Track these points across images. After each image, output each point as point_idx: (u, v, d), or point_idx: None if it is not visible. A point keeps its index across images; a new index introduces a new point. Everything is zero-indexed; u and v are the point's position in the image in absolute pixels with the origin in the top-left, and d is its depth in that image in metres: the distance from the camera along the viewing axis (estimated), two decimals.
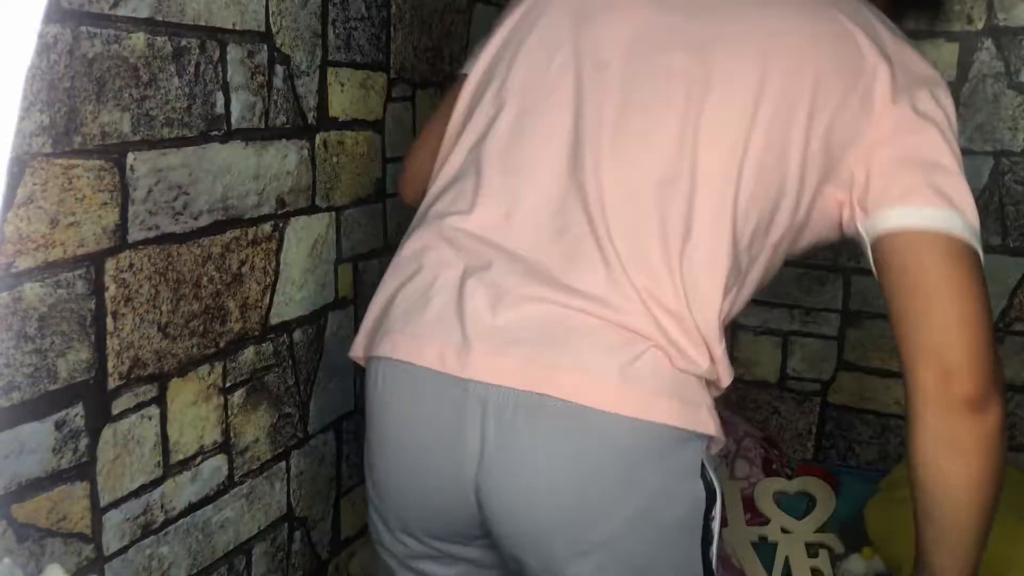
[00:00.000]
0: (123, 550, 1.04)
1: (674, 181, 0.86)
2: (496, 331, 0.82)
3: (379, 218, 1.53)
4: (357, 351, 0.99)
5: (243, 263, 1.19)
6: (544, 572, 0.84)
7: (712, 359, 0.85)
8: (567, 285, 0.83)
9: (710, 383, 0.88)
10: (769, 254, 0.91)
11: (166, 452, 1.09)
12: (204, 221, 1.11)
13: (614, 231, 0.84)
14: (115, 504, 1.02)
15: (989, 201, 1.76)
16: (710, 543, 0.87)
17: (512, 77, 0.96)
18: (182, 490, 1.12)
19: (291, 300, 1.31)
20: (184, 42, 1.04)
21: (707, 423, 0.84)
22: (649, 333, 0.82)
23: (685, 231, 0.84)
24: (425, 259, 0.91)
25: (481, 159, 0.94)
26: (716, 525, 0.86)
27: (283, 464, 1.34)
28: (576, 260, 0.84)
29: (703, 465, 0.86)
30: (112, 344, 0.99)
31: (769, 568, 1.55)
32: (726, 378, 0.88)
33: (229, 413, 1.19)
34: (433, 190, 1.00)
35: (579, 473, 0.82)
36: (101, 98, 0.94)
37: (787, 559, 1.57)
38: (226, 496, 1.21)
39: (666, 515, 0.85)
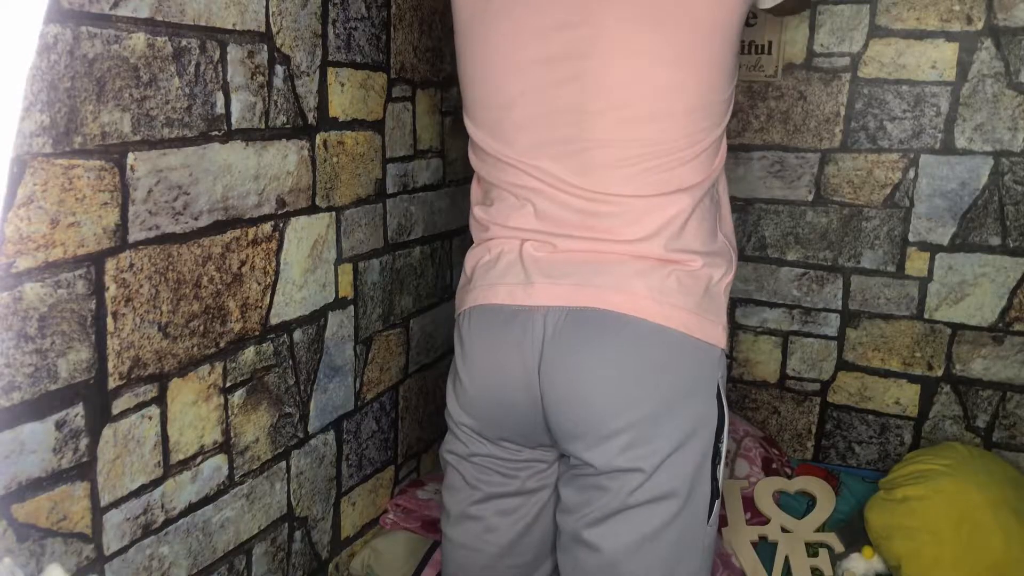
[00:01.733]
0: (123, 550, 1.04)
1: None
2: (551, 269, 1.02)
3: (379, 218, 1.53)
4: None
5: (243, 263, 1.19)
6: (586, 455, 1.00)
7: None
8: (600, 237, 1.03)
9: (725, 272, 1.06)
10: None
11: (166, 452, 1.09)
12: (204, 221, 1.11)
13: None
14: (115, 504, 1.02)
15: (989, 201, 1.76)
16: (718, 463, 1.03)
17: None
18: (182, 490, 1.12)
19: (291, 300, 1.31)
20: (184, 42, 1.04)
21: (720, 338, 1.03)
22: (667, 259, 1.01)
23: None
24: None
25: None
26: (723, 448, 1.04)
27: (283, 464, 1.34)
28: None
29: (719, 389, 1.03)
30: (112, 344, 0.99)
31: (769, 567, 1.55)
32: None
33: (229, 413, 1.19)
34: None
35: (613, 364, 0.99)
36: (101, 98, 0.94)
37: (787, 558, 1.57)
38: (226, 496, 1.21)
39: (684, 413, 1.00)
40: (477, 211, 1.13)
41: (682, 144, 1.00)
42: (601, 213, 1.01)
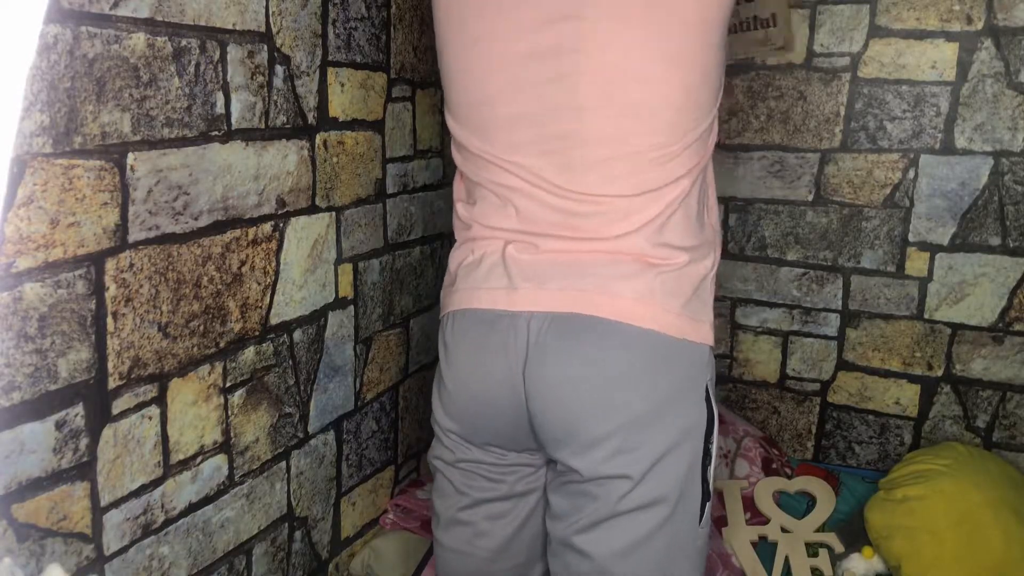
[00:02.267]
0: (123, 550, 1.04)
1: None
2: (535, 272, 1.01)
3: (379, 218, 1.53)
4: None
5: (243, 263, 1.19)
6: (572, 461, 0.99)
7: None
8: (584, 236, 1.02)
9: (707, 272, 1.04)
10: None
11: (166, 452, 1.09)
12: (204, 221, 1.11)
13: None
14: (115, 504, 1.02)
15: (989, 201, 1.76)
16: (708, 464, 1.02)
17: None
18: (182, 490, 1.12)
19: (291, 300, 1.31)
20: (184, 42, 1.04)
21: (707, 336, 1.02)
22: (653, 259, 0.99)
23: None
24: None
25: None
26: (714, 448, 1.03)
27: (283, 464, 1.34)
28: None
29: (707, 390, 1.02)
30: (112, 344, 0.99)
31: (769, 567, 1.55)
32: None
33: (229, 413, 1.19)
34: None
35: (598, 370, 0.98)
36: (101, 98, 0.94)
37: (787, 558, 1.57)
38: (226, 496, 1.21)
39: (672, 418, 0.99)
40: (460, 208, 1.12)
41: (668, 141, 0.99)
42: (584, 213, 1.00)
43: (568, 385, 0.98)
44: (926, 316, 1.84)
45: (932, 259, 1.82)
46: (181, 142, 1.05)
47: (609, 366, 0.98)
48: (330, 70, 1.34)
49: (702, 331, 1.01)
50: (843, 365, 1.94)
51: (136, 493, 1.05)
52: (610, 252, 1.00)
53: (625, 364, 0.98)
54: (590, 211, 1.00)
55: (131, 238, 1.00)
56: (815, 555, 1.58)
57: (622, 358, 0.98)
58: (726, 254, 1.99)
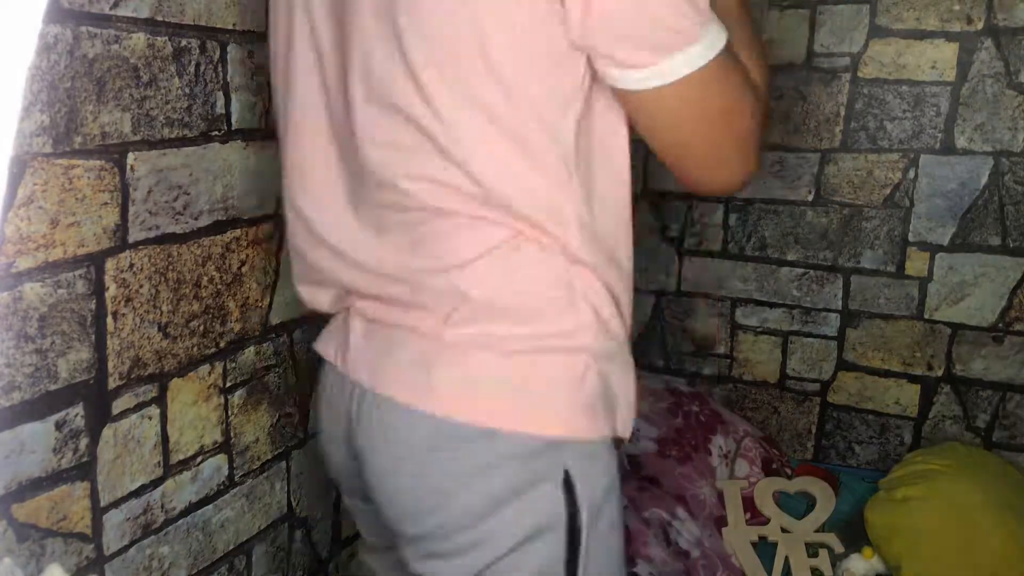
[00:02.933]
0: (123, 550, 1.04)
1: None
2: (361, 337, 0.89)
3: None
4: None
5: (243, 263, 1.19)
6: (406, 547, 0.87)
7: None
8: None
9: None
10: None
11: (166, 452, 1.09)
12: (204, 221, 1.11)
13: None
14: (115, 504, 1.02)
15: (989, 201, 1.76)
16: (579, 562, 0.80)
17: None
18: (182, 490, 1.12)
19: (291, 300, 1.31)
20: (184, 42, 1.04)
21: (554, 424, 0.78)
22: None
23: None
24: None
25: None
26: (596, 539, 0.80)
27: (283, 464, 1.34)
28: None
29: (568, 477, 0.78)
30: (112, 344, 0.99)
31: (769, 568, 1.55)
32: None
33: (229, 413, 1.19)
34: None
35: (404, 462, 0.83)
36: (101, 98, 0.94)
37: (787, 559, 1.57)
38: (226, 496, 1.21)
39: (502, 529, 0.80)
40: None
41: None
42: None
43: (382, 472, 0.86)
44: (926, 316, 1.84)
45: (932, 259, 1.82)
46: (181, 142, 1.05)
47: (413, 461, 0.83)
48: None
49: (544, 417, 0.79)
50: (843, 365, 1.94)
51: (136, 493, 1.05)
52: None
53: (423, 462, 0.82)
54: None
55: (131, 238, 1.00)
56: (815, 555, 1.58)
57: (420, 454, 0.82)
58: (727, 254, 1.99)
